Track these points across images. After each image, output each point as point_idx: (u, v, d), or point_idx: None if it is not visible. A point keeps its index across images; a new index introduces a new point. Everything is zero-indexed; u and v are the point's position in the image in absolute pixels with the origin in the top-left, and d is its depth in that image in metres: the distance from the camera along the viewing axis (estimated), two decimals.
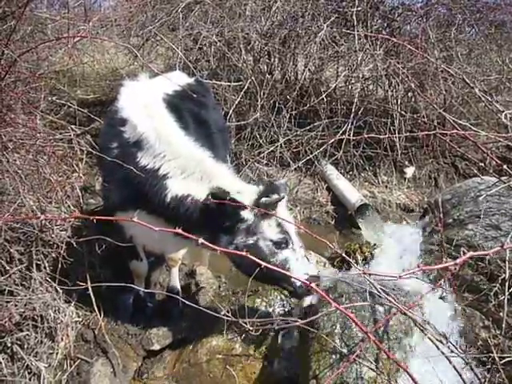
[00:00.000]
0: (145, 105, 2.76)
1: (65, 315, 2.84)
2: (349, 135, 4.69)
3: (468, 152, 5.47)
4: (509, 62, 5.30)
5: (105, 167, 2.83)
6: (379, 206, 5.09)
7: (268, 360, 2.80)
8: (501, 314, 2.49)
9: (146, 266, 3.25)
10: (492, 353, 2.22)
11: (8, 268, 2.70)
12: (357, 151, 5.31)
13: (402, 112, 5.10)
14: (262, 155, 5.20)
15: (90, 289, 2.81)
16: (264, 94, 5.19)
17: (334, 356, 2.45)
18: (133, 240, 2.91)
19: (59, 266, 2.79)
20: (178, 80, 3.32)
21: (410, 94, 5.65)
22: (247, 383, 2.73)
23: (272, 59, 5.86)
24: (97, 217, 1.93)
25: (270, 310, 3.11)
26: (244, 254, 1.77)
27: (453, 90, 5.19)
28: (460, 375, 2.05)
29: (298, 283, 2.48)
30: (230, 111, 5.02)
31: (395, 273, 1.76)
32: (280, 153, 5.22)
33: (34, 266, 2.81)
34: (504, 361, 2.18)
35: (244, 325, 2.22)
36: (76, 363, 2.80)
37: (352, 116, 5.03)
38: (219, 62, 5.46)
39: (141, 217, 2.44)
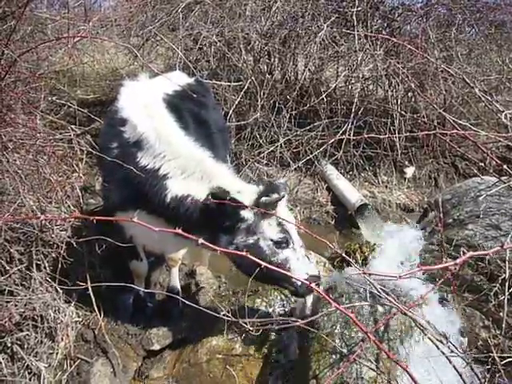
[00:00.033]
0: (145, 105, 2.76)
1: (65, 315, 2.84)
2: (349, 135, 4.69)
3: (468, 152, 5.47)
4: (509, 62, 5.30)
5: (105, 167, 2.83)
6: (379, 205, 5.10)
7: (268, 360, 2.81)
8: (501, 314, 2.49)
9: (145, 266, 3.25)
10: (492, 353, 2.22)
11: (8, 268, 2.70)
12: (357, 151, 5.31)
13: (402, 112, 5.10)
14: (261, 155, 5.20)
15: (90, 289, 2.81)
16: (264, 94, 5.19)
17: (334, 356, 2.45)
18: (133, 240, 2.91)
19: (59, 266, 2.79)
20: (178, 80, 3.32)
21: (410, 94, 5.65)
22: (247, 383, 2.73)
23: (272, 59, 5.86)
24: (97, 217, 1.93)
25: (270, 310, 3.11)
26: (244, 254, 1.77)
27: (453, 90, 5.20)
28: (460, 375, 2.04)
29: (299, 282, 2.48)
30: (230, 111, 5.02)
31: (395, 273, 1.75)
32: (280, 153, 5.22)
33: (34, 266, 2.81)
34: (505, 361, 2.18)
35: (244, 325, 2.22)
36: (76, 363, 2.80)
37: (352, 116, 5.03)
38: (219, 62, 5.47)
39: (141, 217, 2.44)
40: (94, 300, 2.91)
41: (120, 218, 2.66)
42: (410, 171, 5.60)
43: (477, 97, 4.18)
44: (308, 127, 5.34)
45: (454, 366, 2.07)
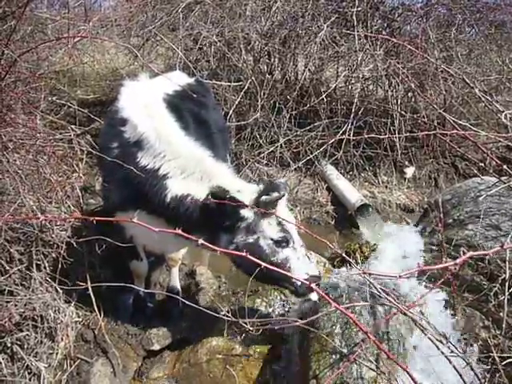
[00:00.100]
0: (145, 105, 2.76)
1: (65, 315, 2.83)
2: (349, 135, 4.69)
3: (468, 152, 5.48)
4: (509, 62, 5.30)
5: (105, 167, 2.83)
6: (379, 206, 5.10)
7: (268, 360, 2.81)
8: (501, 314, 2.49)
9: (146, 266, 3.25)
10: (492, 353, 2.22)
11: (8, 268, 2.70)
12: (357, 151, 5.31)
13: (402, 112, 5.10)
14: (262, 155, 5.20)
15: (90, 289, 2.81)
16: (264, 94, 5.19)
17: (334, 356, 2.45)
18: (133, 240, 2.91)
19: (59, 266, 2.79)
20: (178, 80, 3.32)
21: (410, 94, 5.65)
22: (247, 383, 2.73)
23: (272, 59, 5.87)
24: (97, 217, 1.93)
25: (270, 310, 3.11)
26: (244, 254, 1.76)
27: (453, 90, 5.20)
28: (460, 375, 2.04)
29: (299, 282, 2.47)
30: (230, 111, 5.02)
31: (395, 273, 1.75)
32: (280, 153, 5.22)
33: (34, 266, 2.81)
34: (505, 362, 2.18)
35: (244, 325, 2.22)
36: (76, 363, 2.80)
37: (352, 116, 5.03)
38: (219, 62, 5.47)
39: (141, 217, 2.45)
40: (94, 300, 2.90)
41: (120, 218, 2.66)
42: (410, 171, 5.60)
43: (477, 97, 4.17)
44: (308, 127, 5.34)
45: (453, 366, 2.07)
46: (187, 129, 2.72)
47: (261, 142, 5.28)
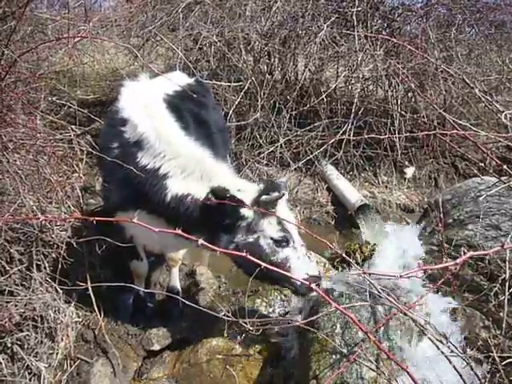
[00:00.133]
0: (145, 105, 2.76)
1: (65, 315, 2.83)
2: (349, 135, 4.70)
3: (468, 152, 5.48)
4: (509, 62, 5.30)
5: (105, 167, 2.83)
6: (379, 206, 5.10)
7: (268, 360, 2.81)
8: (501, 314, 2.49)
9: (146, 266, 3.25)
10: (492, 353, 2.21)
11: (8, 268, 2.69)
12: (357, 151, 5.31)
13: (402, 112, 5.11)
14: (262, 155, 5.20)
15: (90, 289, 2.81)
16: (264, 94, 5.20)
17: (334, 356, 2.45)
18: (133, 240, 2.91)
19: (59, 266, 2.78)
20: (178, 80, 3.32)
21: (410, 94, 5.66)
22: (247, 383, 2.73)
23: (272, 59, 5.87)
24: (97, 217, 1.93)
25: (270, 310, 3.11)
26: (244, 254, 1.76)
27: (453, 90, 5.20)
28: (460, 375, 2.04)
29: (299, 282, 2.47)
30: (230, 111, 5.02)
31: (395, 273, 1.75)
32: (280, 153, 5.22)
33: (34, 266, 2.81)
34: (505, 362, 2.18)
35: (244, 325, 2.22)
36: (76, 363, 2.80)
37: (352, 116, 5.03)
38: (219, 62, 5.47)
39: (141, 217, 2.45)
40: (94, 300, 2.90)
41: (120, 218, 2.66)
42: (410, 171, 5.60)
43: (477, 97, 4.17)
44: (308, 127, 5.34)
45: (453, 366, 2.07)
46: (187, 129, 2.72)
47: (261, 142, 5.28)
